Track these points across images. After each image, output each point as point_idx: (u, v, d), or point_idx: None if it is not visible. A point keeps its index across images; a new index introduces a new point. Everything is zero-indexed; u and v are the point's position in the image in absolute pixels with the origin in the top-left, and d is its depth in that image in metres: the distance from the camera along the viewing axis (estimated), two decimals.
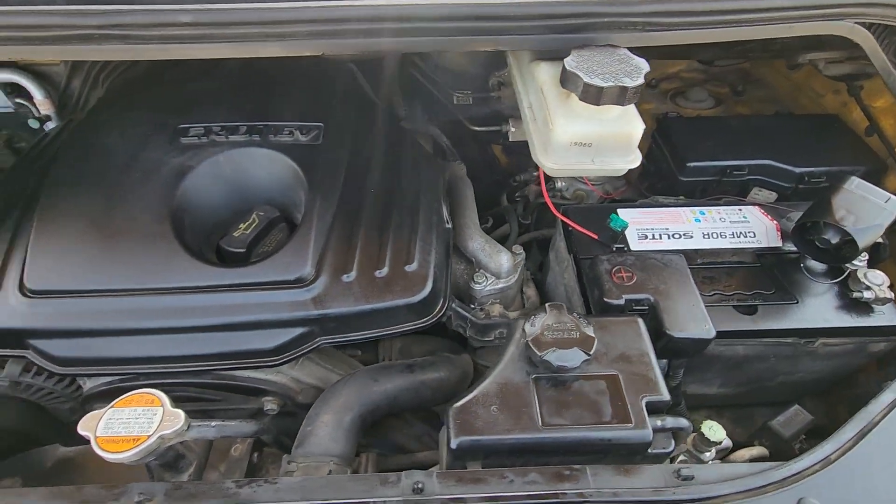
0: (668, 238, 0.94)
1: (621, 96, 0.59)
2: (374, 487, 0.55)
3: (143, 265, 0.72)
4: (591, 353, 0.61)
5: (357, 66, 1.08)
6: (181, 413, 0.54)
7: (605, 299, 0.78)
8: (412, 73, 1.17)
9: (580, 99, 0.61)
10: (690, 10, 0.64)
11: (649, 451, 0.60)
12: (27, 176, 0.87)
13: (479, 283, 0.92)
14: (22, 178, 0.88)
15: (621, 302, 0.77)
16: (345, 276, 0.75)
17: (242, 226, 0.79)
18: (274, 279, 0.73)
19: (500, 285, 0.94)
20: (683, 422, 0.63)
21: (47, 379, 0.85)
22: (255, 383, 0.76)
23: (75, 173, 0.81)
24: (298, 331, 0.72)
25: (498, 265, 0.92)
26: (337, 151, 0.86)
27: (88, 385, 0.78)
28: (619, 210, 0.97)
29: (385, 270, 0.76)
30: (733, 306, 0.84)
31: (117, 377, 0.75)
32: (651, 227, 0.95)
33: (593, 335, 0.62)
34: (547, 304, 0.66)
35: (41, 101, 1.25)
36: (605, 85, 0.58)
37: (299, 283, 0.73)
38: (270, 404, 0.77)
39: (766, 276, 0.89)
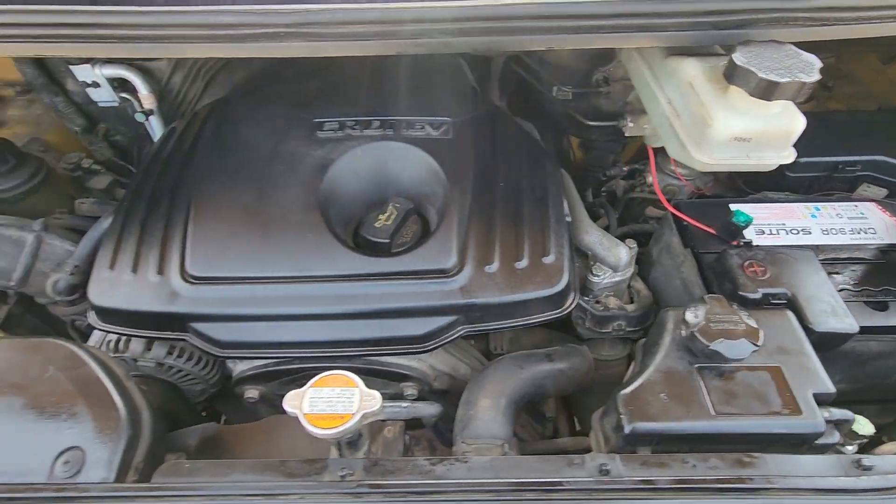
0: (787, 234, 0.94)
1: (797, 92, 0.60)
2: (561, 468, 0.57)
3: (299, 254, 0.76)
4: (759, 343, 0.62)
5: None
6: (377, 393, 0.57)
7: (741, 293, 0.78)
8: (512, 65, 1.19)
9: (752, 94, 0.62)
10: (858, 5, 0.64)
11: (816, 442, 0.61)
12: (166, 169, 0.92)
13: (598, 276, 0.93)
14: (161, 171, 0.92)
15: (758, 296, 0.78)
16: (487, 266, 0.77)
17: (382, 217, 0.82)
18: (423, 269, 0.76)
19: (616, 278, 0.95)
20: (849, 414, 0.64)
21: (188, 361, 0.89)
22: (400, 369, 0.79)
23: (222, 166, 0.85)
24: (446, 319, 0.75)
25: (617, 258, 0.93)
26: (465, 146, 0.88)
27: (240, 367, 0.82)
28: (731, 205, 0.98)
29: (525, 262, 0.79)
30: (864, 302, 0.84)
31: (271, 360, 0.78)
32: (768, 223, 0.95)
33: (757, 326, 0.63)
34: (706, 296, 0.67)
35: (145, 96, 1.29)
36: (781, 80, 0.59)
37: (447, 272, 0.76)
38: (410, 389, 0.80)
39: (892, 272, 0.88)
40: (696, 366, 0.64)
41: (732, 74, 0.63)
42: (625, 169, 1.30)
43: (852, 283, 0.87)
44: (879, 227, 0.94)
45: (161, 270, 0.77)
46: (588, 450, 0.78)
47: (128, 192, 0.91)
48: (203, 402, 1.00)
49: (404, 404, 0.65)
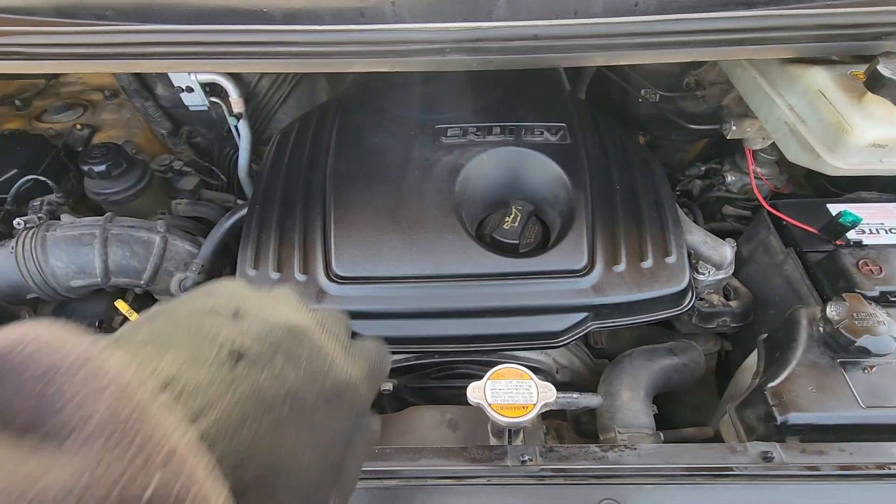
0: (886, 233, 0.97)
1: None
2: (726, 455, 0.61)
3: (439, 254, 0.80)
4: None
5: None
6: (551, 385, 0.62)
7: (859, 291, 0.82)
8: (602, 67, 1.22)
9: None
10: None
11: None
12: (291, 173, 0.96)
13: (703, 274, 0.97)
14: (287, 175, 0.96)
15: (875, 293, 0.82)
16: (615, 266, 0.82)
17: (508, 219, 0.86)
18: (558, 269, 0.80)
19: (720, 276, 0.99)
20: None
21: None
22: (531, 363, 0.84)
23: (355, 170, 0.90)
24: (579, 316, 0.79)
25: (722, 257, 0.97)
26: (581, 150, 0.92)
27: None
28: (828, 205, 1.01)
29: (649, 262, 0.83)
30: None
31: (412, 354, 0.83)
32: (867, 223, 0.98)
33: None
34: (843, 294, 0.71)
35: (236, 101, 1.34)
36: None
37: (579, 272, 0.80)
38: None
39: None
40: (839, 360, 0.68)
41: (877, 85, 0.67)
42: (702, 168, 1.34)
43: None
44: None
45: (305, 270, 0.82)
46: (713, 439, 0.82)
47: (255, 196, 0.95)
48: None
49: (574, 395, 0.69)
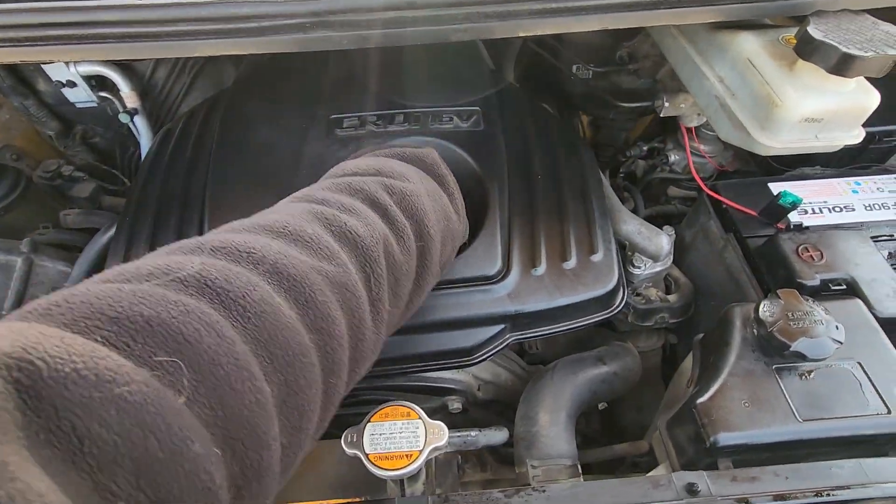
0: (829, 212, 0.90)
1: (882, 67, 0.55)
2: (648, 491, 0.53)
3: None
4: (842, 340, 0.58)
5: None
6: (442, 424, 0.52)
7: (799, 280, 0.75)
8: (530, 43, 1.11)
9: (830, 71, 0.56)
10: None
11: None
12: (170, 177, 0.83)
13: (639, 268, 0.89)
14: (165, 179, 0.83)
15: (816, 283, 0.75)
16: (534, 269, 0.72)
17: None
18: (467, 276, 0.70)
19: (657, 268, 0.91)
20: None
21: None
22: (444, 383, 0.74)
23: (236, 171, 0.77)
24: (495, 328, 0.70)
25: (658, 247, 0.89)
26: (498, 136, 0.82)
27: None
28: (770, 184, 0.94)
29: (572, 262, 0.73)
30: None
31: None
32: (810, 202, 0.91)
33: (837, 321, 0.60)
34: (779, 291, 0.63)
35: (128, 95, 1.19)
36: (865, 55, 0.54)
37: (493, 279, 0.70)
38: (455, 403, 0.75)
39: None
40: (775, 367, 0.60)
41: (808, 50, 0.58)
42: (644, 148, 1.25)
43: None
44: None
45: None
46: (646, 454, 0.75)
47: (128, 204, 0.82)
48: None
49: (473, 433, 0.60)
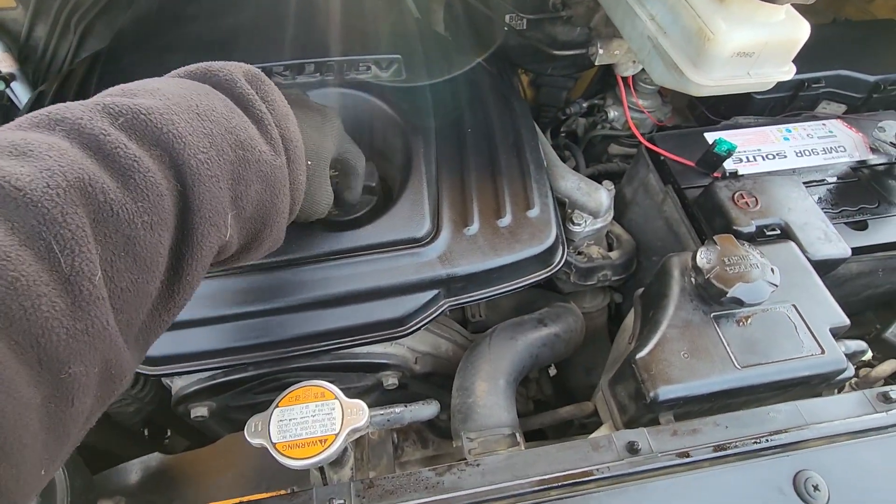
0: (763, 160, 0.90)
1: None
2: (588, 454, 0.50)
3: None
4: (777, 283, 0.57)
5: None
6: (361, 403, 0.46)
7: (735, 227, 0.73)
8: None
9: None
10: None
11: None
12: None
13: (579, 225, 0.85)
14: None
15: (752, 229, 0.73)
16: (466, 229, 0.67)
17: None
18: (393, 239, 0.63)
19: (598, 225, 0.88)
20: (863, 345, 0.61)
21: None
22: (376, 358, 0.68)
23: None
24: (426, 295, 0.64)
25: (598, 203, 0.85)
26: (422, 87, 0.74)
27: (179, 384, 0.67)
28: (705, 134, 0.93)
29: (507, 219, 0.68)
30: (845, 223, 0.82)
31: (219, 370, 0.65)
32: (744, 150, 0.90)
33: (772, 264, 0.58)
34: (715, 237, 0.60)
35: (1, 57, 1.03)
36: None
37: (421, 241, 0.64)
38: (391, 378, 0.70)
39: (866, 189, 0.87)
40: (713, 315, 0.58)
41: None
42: (584, 105, 1.21)
43: (831, 204, 0.85)
44: (848, 144, 0.92)
45: None
46: (592, 415, 0.72)
47: None
48: (140, 421, 0.85)
49: (398, 409, 0.55)
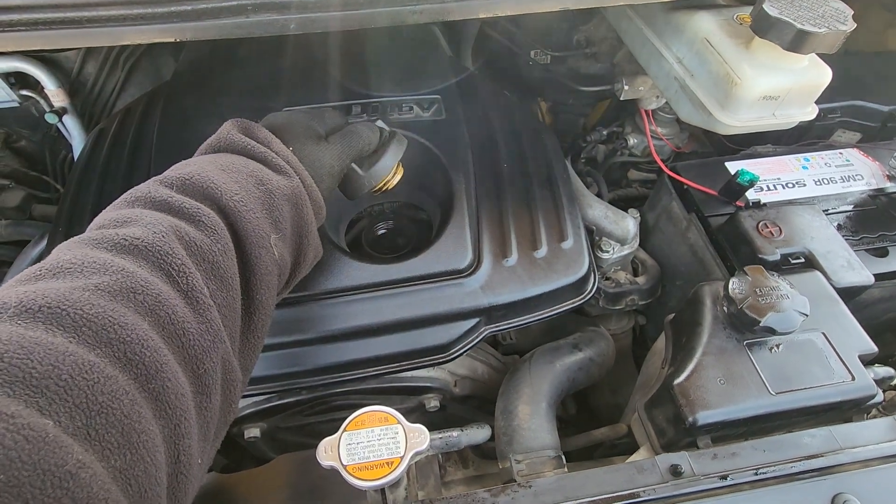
0: (783, 188, 0.93)
1: (834, 43, 0.56)
2: (633, 476, 0.52)
3: None
4: (807, 312, 0.60)
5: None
6: (422, 427, 0.50)
7: (761, 256, 0.77)
8: (486, 28, 1.09)
9: (786, 48, 0.57)
10: None
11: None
12: (104, 181, 0.76)
13: (608, 252, 0.89)
14: (99, 183, 0.76)
15: (777, 257, 0.77)
16: (505, 260, 0.70)
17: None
18: (438, 271, 0.67)
19: (625, 252, 0.91)
20: (891, 371, 0.63)
21: None
22: (420, 381, 0.72)
23: None
24: (469, 322, 0.68)
25: (625, 231, 0.89)
26: (460, 125, 0.79)
27: None
28: (727, 163, 0.96)
29: (543, 250, 0.72)
30: (865, 250, 0.85)
31: (274, 394, 0.68)
32: (765, 179, 0.94)
33: (803, 295, 0.61)
34: (746, 267, 0.64)
35: (54, 92, 1.09)
36: (819, 31, 0.55)
37: (464, 272, 0.68)
38: (433, 401, 0.73)
39: (884, 216, 0.90)
40: (746, 343, 0.61)
41: (764, 27, 0.58)
42: (604, 132, 1.26)
43: (851, 232, 0.88)
44: (865, 172, 0.96)
45: None
46: (625, 436, 0.75)
47: (60, 213, 0.75)
48: None
49: (454, 433, 0.58)
